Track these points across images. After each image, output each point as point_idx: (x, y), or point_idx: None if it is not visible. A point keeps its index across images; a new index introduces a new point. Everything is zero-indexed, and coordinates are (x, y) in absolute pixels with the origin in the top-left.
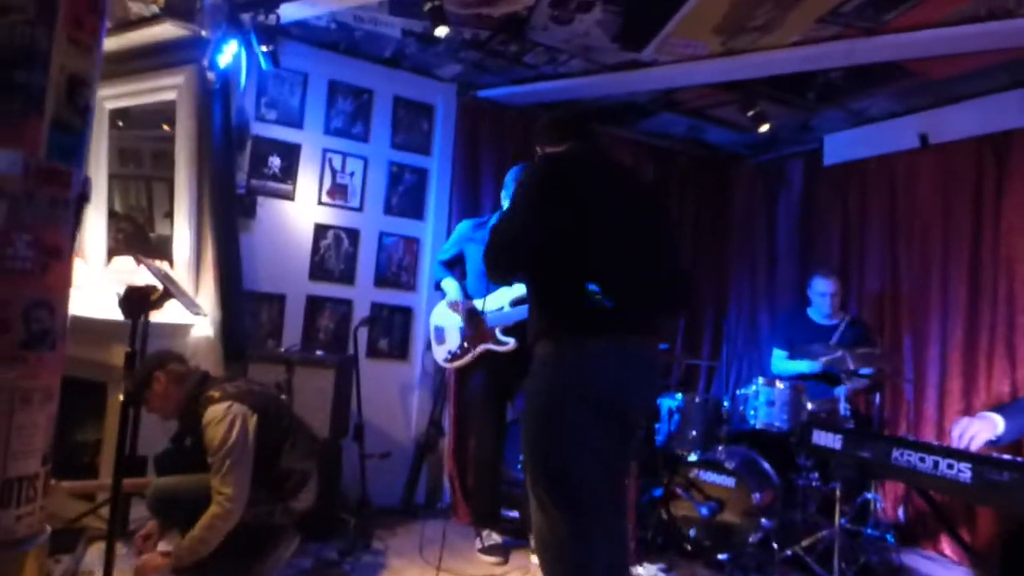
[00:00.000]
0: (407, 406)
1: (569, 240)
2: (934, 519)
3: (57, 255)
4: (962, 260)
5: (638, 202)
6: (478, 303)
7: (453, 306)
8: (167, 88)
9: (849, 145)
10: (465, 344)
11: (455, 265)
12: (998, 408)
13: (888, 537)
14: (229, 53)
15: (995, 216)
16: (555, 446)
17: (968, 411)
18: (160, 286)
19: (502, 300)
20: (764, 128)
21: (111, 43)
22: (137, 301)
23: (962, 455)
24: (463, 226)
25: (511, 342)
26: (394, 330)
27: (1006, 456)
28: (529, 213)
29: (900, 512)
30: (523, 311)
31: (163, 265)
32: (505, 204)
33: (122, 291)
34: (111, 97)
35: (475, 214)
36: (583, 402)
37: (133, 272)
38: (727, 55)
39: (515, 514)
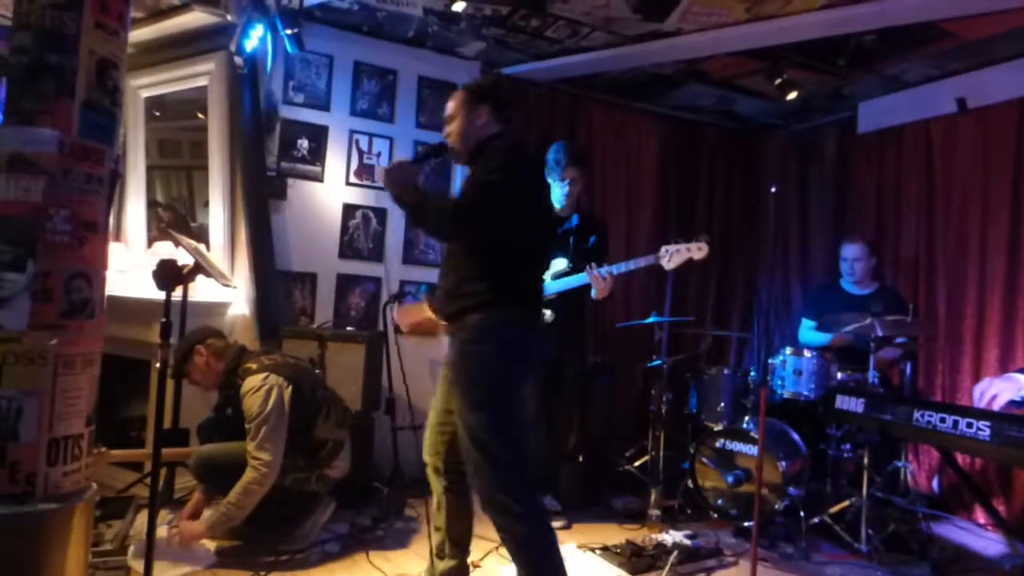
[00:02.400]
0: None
1: (523, 224)
2: (968, 488)
3: (93, 229)
4: (1001, 227)
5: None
6: None
7: None
8: (199, 75)
9: (884, 112)
10: None
11: None
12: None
13: (919, 506)
14: (255, 38)
15: None
16: (503, 402)
17: None
18: (192, 260)
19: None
20: (792, 96)
21: (144, 32)
22: (169, 273)
23: (982, 414)
24: None
25: (547, 314)
26: None
27: None
28: (515, 200)
29: (934, 483)
30: (559, 284)
31: (199, 246)
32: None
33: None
34: (146, 86)
35: None
36: (526, 363)
37: (172, 255)
38: (753, 21)
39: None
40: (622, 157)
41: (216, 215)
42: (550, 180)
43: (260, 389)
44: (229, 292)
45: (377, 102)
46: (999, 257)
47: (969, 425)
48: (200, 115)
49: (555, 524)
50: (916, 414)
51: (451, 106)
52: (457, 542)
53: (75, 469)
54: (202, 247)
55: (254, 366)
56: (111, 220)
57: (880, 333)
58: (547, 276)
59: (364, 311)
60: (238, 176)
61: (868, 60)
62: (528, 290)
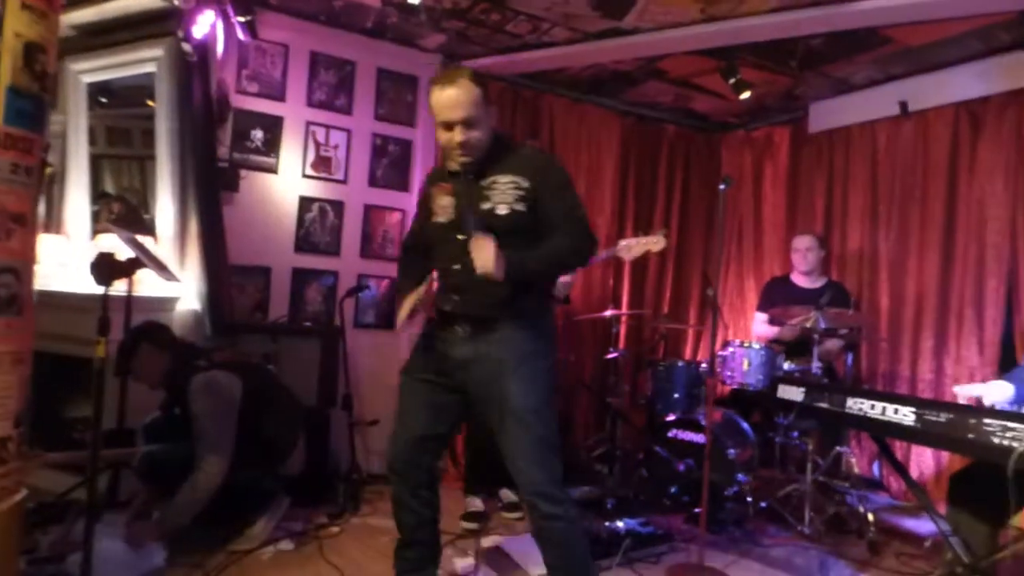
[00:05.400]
0: (395, 376)
1: None
2: (897, 470)
3: (22, 221)
4: (936, 225)
5: None
6: None
7: None
8: (146, 61)
9: (833, 113)
10: None
11: None
12: (1006, 375)
13: (857, 489)
14: (205, 24)
15: (968, 182)
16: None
17: (939, 370)
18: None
19: None
20: (745, 95)
21: (86, 14)
22: (108, 267)
23: (905, 400)
24: None
25: None
26: (381, 301)
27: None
28: None
29: (874, 467)
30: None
31: (146, 240)
32: None
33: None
34: (89, 70)
35: None
36: None
37: (115, 248)
38: (707, 21)
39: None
40: (583, 152)
41: (165, 207)
42: None
43: (208, 387)
44: (178, 286)
45: (334, 93)
46: (934, 254)
47: (896, 411)
48: (150, 103)
49: (514, 516)
50: (849, 401)
51: (468, 107)
52: (427, 543)
53: (3, 473)
54: (149, 240)
55: (203, 363)
56: (52, 212)
57: (823, 325)
58: None
59: (321, 305)
60: (188, 167)
61: (817, 63)
62: None
